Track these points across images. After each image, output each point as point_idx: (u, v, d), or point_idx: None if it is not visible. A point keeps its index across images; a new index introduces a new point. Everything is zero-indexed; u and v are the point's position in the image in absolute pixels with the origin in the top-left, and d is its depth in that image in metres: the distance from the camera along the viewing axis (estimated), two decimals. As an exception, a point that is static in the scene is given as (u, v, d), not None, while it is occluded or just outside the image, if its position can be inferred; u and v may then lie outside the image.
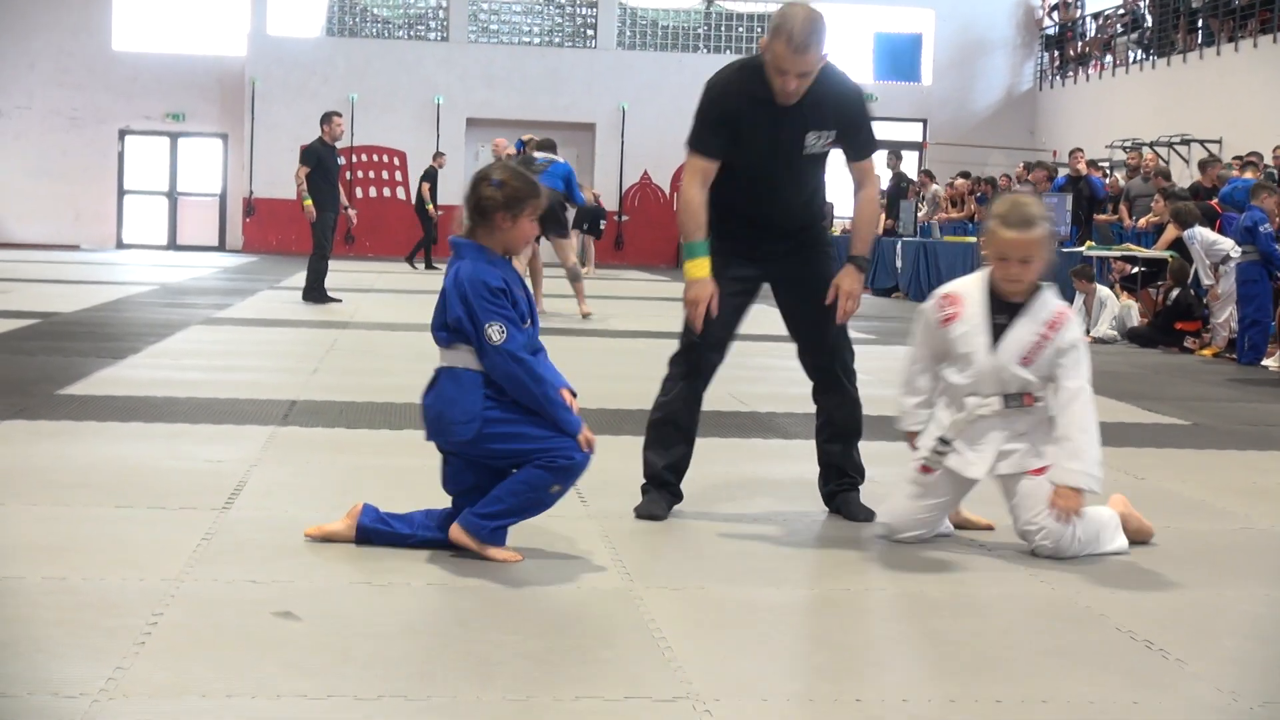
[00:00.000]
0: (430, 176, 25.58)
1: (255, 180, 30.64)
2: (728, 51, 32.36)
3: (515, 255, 4.84)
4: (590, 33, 32.12)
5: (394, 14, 31.94)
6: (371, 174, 30.91)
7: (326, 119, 16.16)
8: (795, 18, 5.06)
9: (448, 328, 4.74)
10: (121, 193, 31.67)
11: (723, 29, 32.52)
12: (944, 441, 5.07)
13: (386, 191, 31.07)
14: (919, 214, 23.93)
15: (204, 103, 31.35)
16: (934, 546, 5.14)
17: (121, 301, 15.46)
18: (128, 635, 3.71)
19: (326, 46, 31.22)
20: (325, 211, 15.97)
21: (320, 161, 15.91)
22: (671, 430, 5.49)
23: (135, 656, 3.55)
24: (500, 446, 4.66)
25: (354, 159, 30.51)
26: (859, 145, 5.46)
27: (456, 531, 4.71)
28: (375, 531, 4.81)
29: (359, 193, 30.59)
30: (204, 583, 4.28)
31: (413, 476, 6.09)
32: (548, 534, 5.09)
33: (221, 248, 31.40)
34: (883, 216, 23.67)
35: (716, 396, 8.85)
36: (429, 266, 25.10)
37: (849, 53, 32.13)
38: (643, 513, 5.40)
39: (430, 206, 25.22)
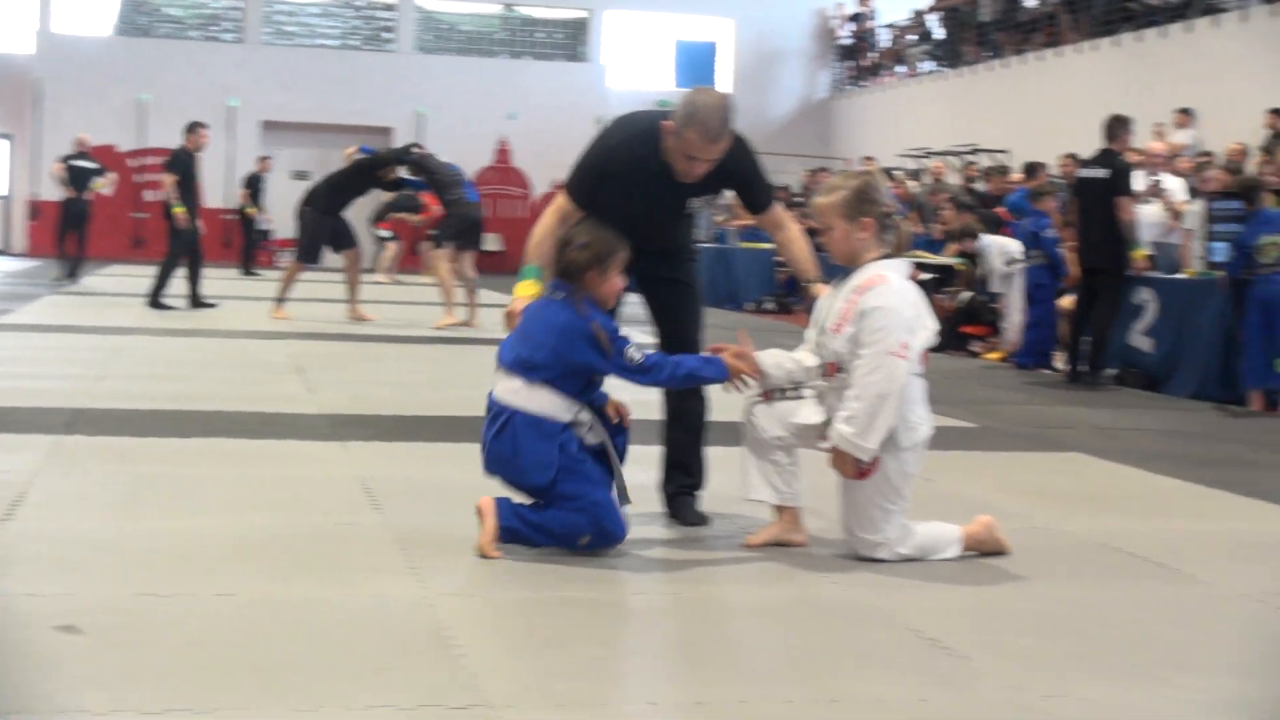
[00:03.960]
0: (253, 182, 25.15)
1: (41, 182, 29.79)
2: (527, 57, 32.36)
3: (607, 309, 5.10)
4: (388, 35, 31.86)
5: (187, 14, 31.34)
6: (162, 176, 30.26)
7: (192, 128, 16.41)
8: (708, 107, 5.17)
9: (542, 366, 4.93)
10: (-101, 195, 30.58)
11: (521, 34, 32.49)
12: (795, 386, 5.19)
13: (160, 195, 30.39)
14: (715, 219, 24.13)
15: (-13, 102, 30.43)
16: (725, 551, 5.19)
17: (-102, 307, 14.93)
18: (-102, 652, 3.58)
19: (117, 46, 30.50)
20: (191, 219, 16.10)
21: (186, 170, 16.18)
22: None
23: (-94, 674, 3.42)
24: (568, 488, 4.89)
25: (144, 162, 29.85)
26: (757, 199, 5.59)
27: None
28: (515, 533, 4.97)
29: (148, 196, 29.92)
30: (-19, 596, 4.14)
31: (202, 485, 5.97)
32: (343, 540, 5.03)
33: (5, 251, 30.47)
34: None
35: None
36: (248, 272, 24.65)
37: (648, 61, 32.37)
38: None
39: (251, 210, 24.83)
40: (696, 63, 32.23)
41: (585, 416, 5.02)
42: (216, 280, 16.85)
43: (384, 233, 24.81)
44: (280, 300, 15.30)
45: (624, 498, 5.10)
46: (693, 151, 5.22)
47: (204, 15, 31.41)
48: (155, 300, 15.94)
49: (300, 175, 30.39)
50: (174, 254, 16.14)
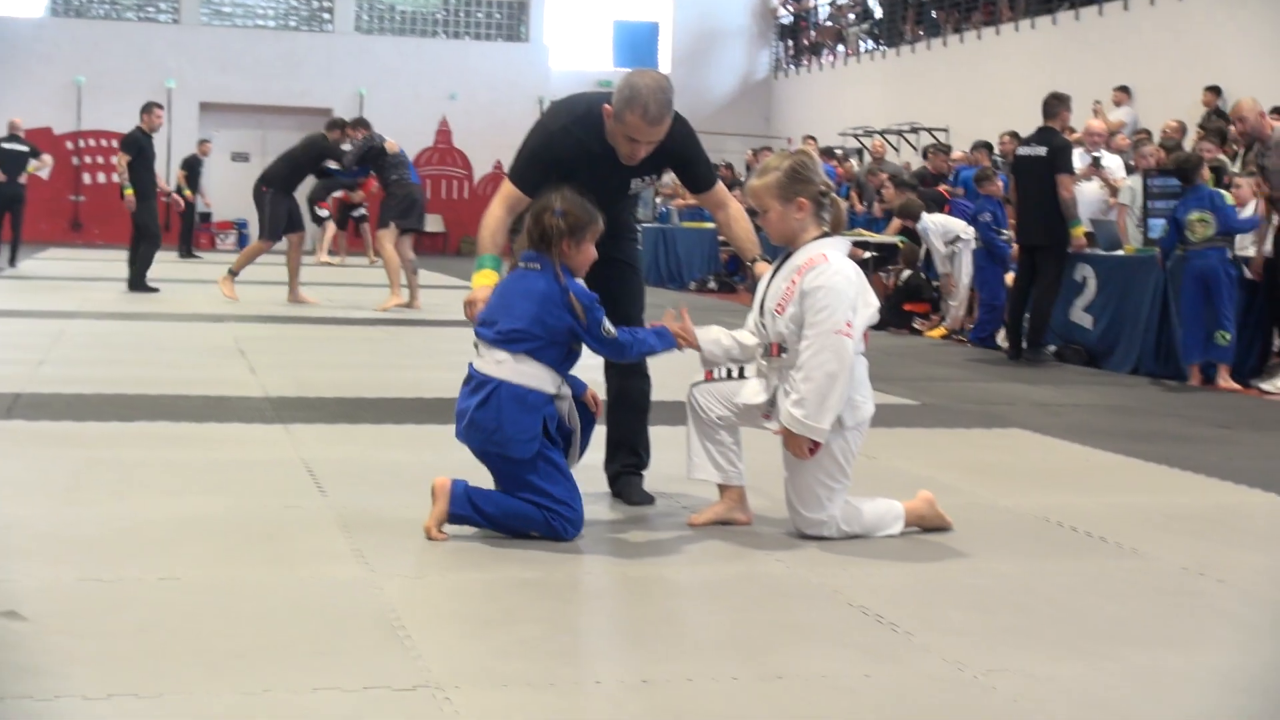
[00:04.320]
0: (191, 164, 24.95)
1: (-25, 166, 29.47)
2: (466, 37, 32.23)
3: (579, 278, 5.07)
4: (327, 16, 31.67)
5: (123, -6, 31.03)
6: (100, 159, 29.96)
7: (147, 109, 16.53)
8: (648, 89, 5.17)
9: (525, 337, 4.91)
10: None
11: (461, 14, 32.37)
12: (734, 363, 5.22)
13: (117, 178, 30.08)
14: (657, 199, 24.14)
15: (-82, 84, 30.06)
16: (669, 530, 5.21)
17: None
18: None
19: (51, 27, 30.18)
20: (148, 199, 16.39)
21: (141, 150, 16.34)
22: None
23: None
24: (533, 479, 4.88)
25: (81, 144, 29.60)
26: (698, 178, 5.65)
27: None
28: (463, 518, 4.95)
29: (87, 179, 29.68)
30: (-79, 584, 4.11)
31: (145, 470, 5.94)
32: (287, 524, 5.02)
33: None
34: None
35: (458, 385, 8.83)
36: (189, 255, 24.46)
37: (588, 41, 32.33)
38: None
39: (188, 193, 24.62)
40: (637, 43, 32.22)
41: (566, 390, 5.03)
42: (156, 263, 16.71)
43: (323, 212, 24.66)
44: (233, 272, 15.15)
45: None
46: (634, 134, 5.24)
47: (140, -5, 31.10)
48: (135, 284, 16.17)
49: (239, 157, 30.17)
50: (150, 236, 16.35)
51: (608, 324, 4.96)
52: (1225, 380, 10.65)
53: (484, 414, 4.90)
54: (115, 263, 20.38)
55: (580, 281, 5.03)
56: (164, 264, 20.12)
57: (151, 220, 16.38)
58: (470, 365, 5.02)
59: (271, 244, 15.35)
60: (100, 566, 4.37)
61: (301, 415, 7.53)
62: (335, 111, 29.78)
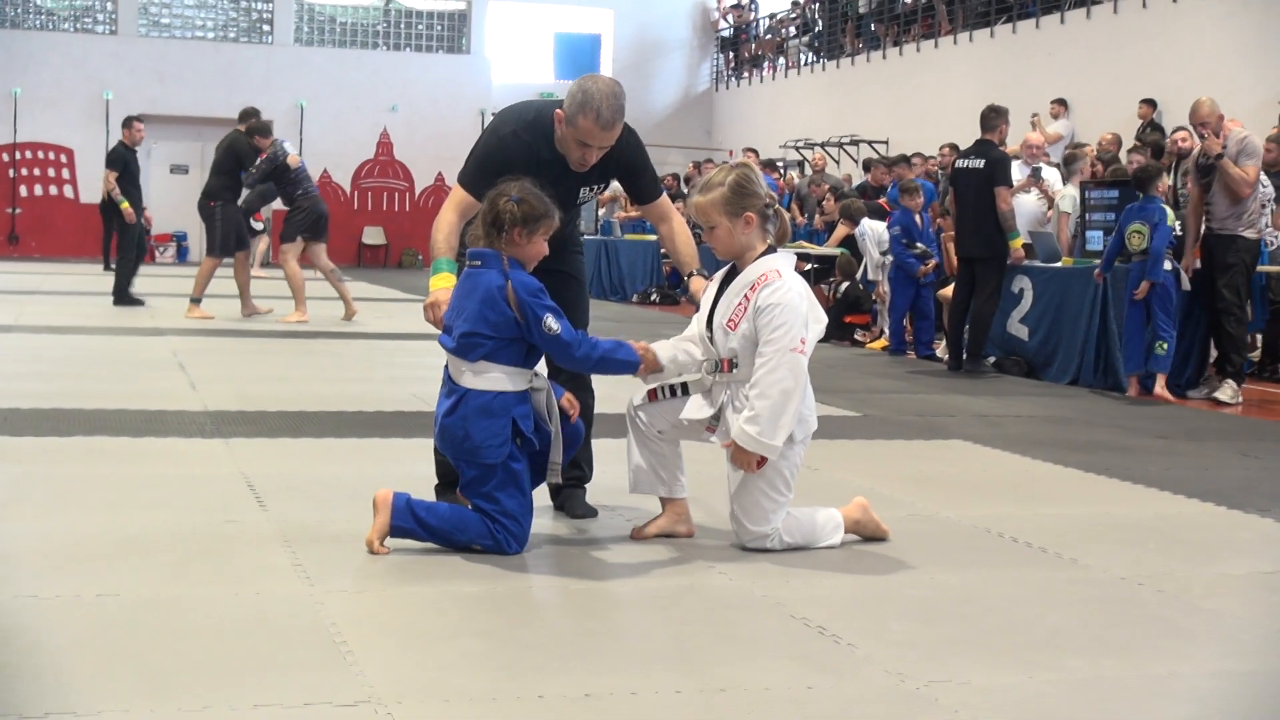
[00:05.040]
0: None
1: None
2: (407, 49, 32.18)
3: (527, 271, 5.01)
4: (266, 28, 31.54)
5: (59, 5, 30.80)
6: (37, 171, 29.72)
7: (128, 124, 16.61)
8: (601, 94, 5.17)
9: (479, 340, 4.87)
10: None
11: (402, 26, 32.31)
12: (684, 387, 5.21)
13: (54, 190, 29.93)
14: (599, 211, 24.15)
15: None
16: (612, 543, 5.21)
17: None
18: None
19: (-14, 39, 29.95)
20: (137, 213, 16.52)
21: (127, 166, 16.44)
22: None
23: None
24: (490, 486, 4.88)
25: (18, 156, 29.34)
26: (644, 189, 5.66)
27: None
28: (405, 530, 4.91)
29: (24, 191, 29.41)
30: None
31: (83, 485, 5.89)
32: (228, 539, 4.99)
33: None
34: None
35: (399, 398, 8.79)
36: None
37: (529, 53, 32.34)
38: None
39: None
40: (579, 55, 32.26)
41: (541, 381, 5.00)
42: (91, 276, 16.58)
43: (258, 225, 24.50)
44: (196, 300, 14.96)
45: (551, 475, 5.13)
46: (586, 139, 5.23)
47: (76, 7, 30.89)
48: (121, 298, 16.13)
49: (178, 169, 29.97)
50: (126, 248, 16.40)
51: (551, 320, 4.88)
52: (1161, 390, 10.75)
53: (452, 421, 4.90)
54: (53, 275, 20.23)
55: (527, 274, 4.97)
56: (99, 277, 19.97)
57: (139, 234, 16.49)
58: (445, 368, 5.01)
59: (222, 260, 15.17)
60: (38, 583, 4.33)
61: (242, 429, 7.48)
62: (276, 124, 29.70)
